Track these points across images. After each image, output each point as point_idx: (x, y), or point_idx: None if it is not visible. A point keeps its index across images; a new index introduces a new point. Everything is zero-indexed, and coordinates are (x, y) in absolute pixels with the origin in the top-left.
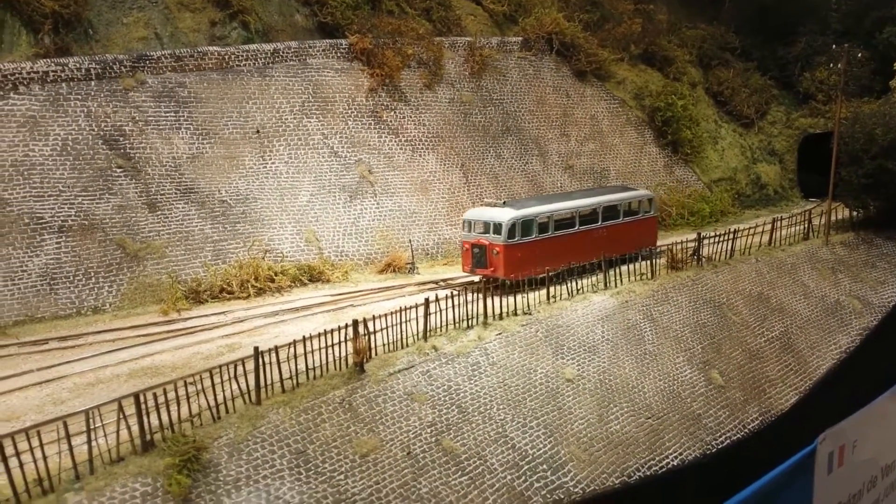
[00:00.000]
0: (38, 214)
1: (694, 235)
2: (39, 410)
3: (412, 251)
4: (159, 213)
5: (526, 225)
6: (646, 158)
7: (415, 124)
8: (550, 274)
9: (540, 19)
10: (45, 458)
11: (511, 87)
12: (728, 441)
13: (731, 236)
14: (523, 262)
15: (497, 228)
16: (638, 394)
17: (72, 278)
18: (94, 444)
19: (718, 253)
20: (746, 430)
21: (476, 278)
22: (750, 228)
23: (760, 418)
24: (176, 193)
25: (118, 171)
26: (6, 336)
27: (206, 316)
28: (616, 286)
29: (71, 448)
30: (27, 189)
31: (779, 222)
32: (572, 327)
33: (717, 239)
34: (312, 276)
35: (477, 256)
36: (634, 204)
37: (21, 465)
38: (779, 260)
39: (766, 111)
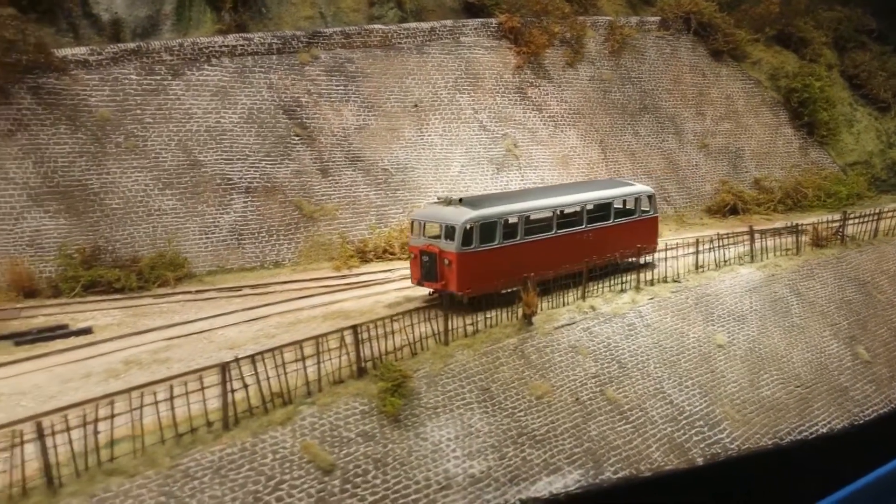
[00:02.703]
0: (227, 176)
1: (831, 216)
2: (255, 342)
3: None
4: (331, 178)
5: (486, 228)
6: (780, 139)
7: (557, 101)
8: (509, 290)
9: None
10: (286, 374)
11: (649, 65)
12: (875, 415)
13: (876, 217)
14: (482, 275)
15: (450, 232)
16: (786, 363)
17: (256, 235)
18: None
19: (862, 233)
20: (893, 406)
21: None
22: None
23: None
24: (345, 161)
25: (296, 139)
26: (203, 283)
27: (374, 273)
28: (762, 260)
29: (305, 369)
30: (219, 153)
31: None
32: (721, 296)
33: (861, 219)
34: None
35: (426, 266)
36: (630, 202)
37: (268, 378)
38: None
39: None
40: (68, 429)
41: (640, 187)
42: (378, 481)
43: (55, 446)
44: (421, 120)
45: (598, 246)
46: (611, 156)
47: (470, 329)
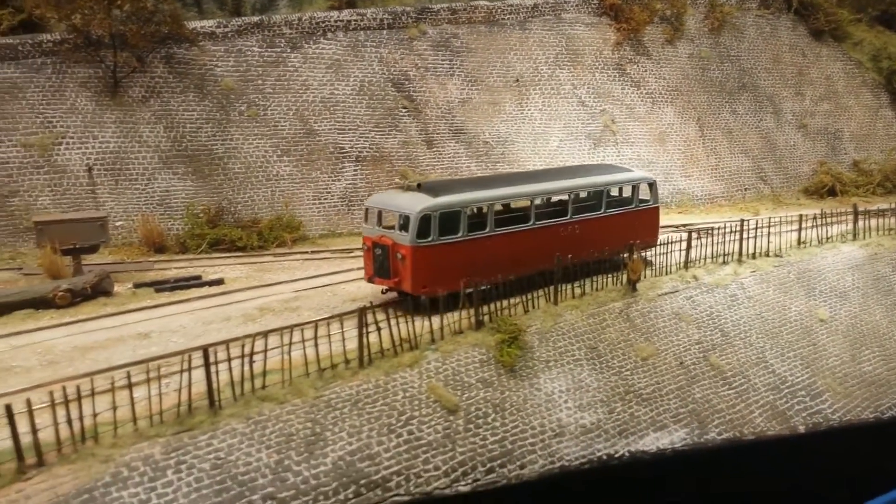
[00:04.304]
0: (339, 145)
1: None
2: (375, 297)
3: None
4: (434, 149)
5: (447, 219)
6: (881, 122)
7: (655, 78)
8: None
9: None
10: (413, 322)
11: (748, 44)
12: None
13: None
14: (442, 273)
15: (404, 223)
16: (888, 340)
17: (364, 201)
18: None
19: None
20: None
21: None
22: None
23: None
24: (448, 133)
25: (403, 111)
26: (316, 245)
27: None
28: (865, 238)
29: (430, 319)
30: (332, 123)
31: None
32: (823, 272)
33: None
34: None
35: (379, 260)
36: (627, 190)
37: (398, 325)
38: None
39: None
40: (229, 358)
41: (638, 174)
42: (497, 424)
43: (217, 373)
44: (521, 94)
45: (586, 240)
46: (708, 133)
47: (578, 291)
